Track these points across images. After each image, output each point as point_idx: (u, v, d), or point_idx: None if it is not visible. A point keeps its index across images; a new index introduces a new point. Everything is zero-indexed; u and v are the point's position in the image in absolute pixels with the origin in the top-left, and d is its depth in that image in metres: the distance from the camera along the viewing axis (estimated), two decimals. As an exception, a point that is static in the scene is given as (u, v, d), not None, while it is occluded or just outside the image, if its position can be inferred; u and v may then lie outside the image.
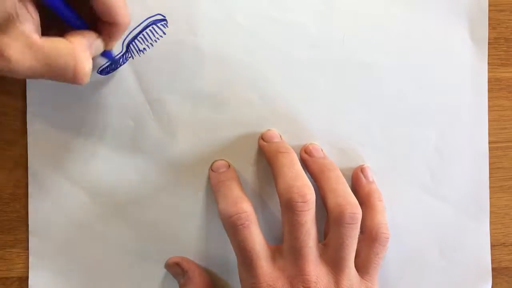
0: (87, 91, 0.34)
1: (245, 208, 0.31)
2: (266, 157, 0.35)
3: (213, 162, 0.35)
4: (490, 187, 0.38)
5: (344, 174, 0.34)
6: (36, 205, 0.35)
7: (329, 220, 0.32)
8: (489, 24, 0.37)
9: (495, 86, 0.38)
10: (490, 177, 0.38)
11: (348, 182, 0.34)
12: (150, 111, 0.35)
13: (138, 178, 0.35)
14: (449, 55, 0.37)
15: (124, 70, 0.34)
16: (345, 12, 0.36)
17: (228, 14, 0.35)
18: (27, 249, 0.35)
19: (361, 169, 0.36)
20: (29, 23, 0.25)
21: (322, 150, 0.36)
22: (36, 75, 0.26)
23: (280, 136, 0.35)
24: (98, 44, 0.30)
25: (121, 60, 0.34)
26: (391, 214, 0.36)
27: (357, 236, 0.32)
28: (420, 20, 0.36)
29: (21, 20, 0.25)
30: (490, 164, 0.38)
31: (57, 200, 0.35)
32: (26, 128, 0.35)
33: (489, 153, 0.38)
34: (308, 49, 0.35)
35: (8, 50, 0.25)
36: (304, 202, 0.30)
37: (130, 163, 0.35)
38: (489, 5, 0.37)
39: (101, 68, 0.34)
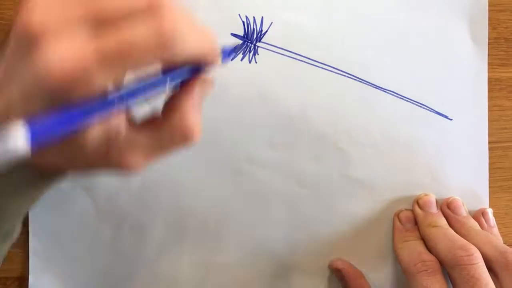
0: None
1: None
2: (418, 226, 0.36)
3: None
4: (490, 187, 0.38)
5: (346, 175, 0.34)
6: (36, 205, 0.35)
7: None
8: (489, 24, 0.37)
9: (495, 86, 0.38)
10: (490, 177, 0.38)
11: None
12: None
13: (139, 181, 0.35)
14: (449, 55, 0.37)
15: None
16: (345, 13, 0.36)
17: (228, 14, 0.35)
18: (27, 249, 0.35)
19: (483, 213, 0.36)
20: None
21: (464, 206, 0.36)
22: None
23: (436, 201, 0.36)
24: None
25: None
26: (391, 215, 0.36)
27: None
28: (420, 20, 0.36)
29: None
30: (490, 164, 0.38)
31: (57, 200, 0.35)
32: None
33: (489, 153, 0.38)
34: (308, 49, 0.35)
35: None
36: (469, 255, 0.31)
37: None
38: (489, 5, 0.37)
39: None
